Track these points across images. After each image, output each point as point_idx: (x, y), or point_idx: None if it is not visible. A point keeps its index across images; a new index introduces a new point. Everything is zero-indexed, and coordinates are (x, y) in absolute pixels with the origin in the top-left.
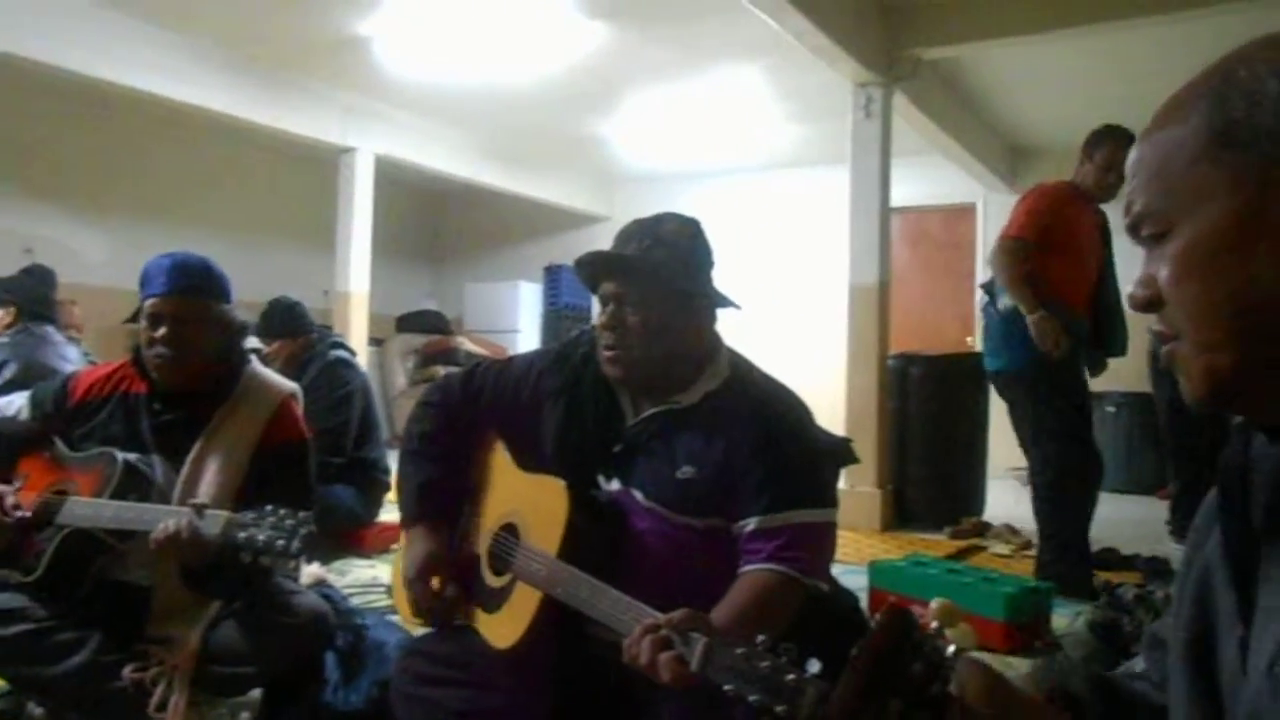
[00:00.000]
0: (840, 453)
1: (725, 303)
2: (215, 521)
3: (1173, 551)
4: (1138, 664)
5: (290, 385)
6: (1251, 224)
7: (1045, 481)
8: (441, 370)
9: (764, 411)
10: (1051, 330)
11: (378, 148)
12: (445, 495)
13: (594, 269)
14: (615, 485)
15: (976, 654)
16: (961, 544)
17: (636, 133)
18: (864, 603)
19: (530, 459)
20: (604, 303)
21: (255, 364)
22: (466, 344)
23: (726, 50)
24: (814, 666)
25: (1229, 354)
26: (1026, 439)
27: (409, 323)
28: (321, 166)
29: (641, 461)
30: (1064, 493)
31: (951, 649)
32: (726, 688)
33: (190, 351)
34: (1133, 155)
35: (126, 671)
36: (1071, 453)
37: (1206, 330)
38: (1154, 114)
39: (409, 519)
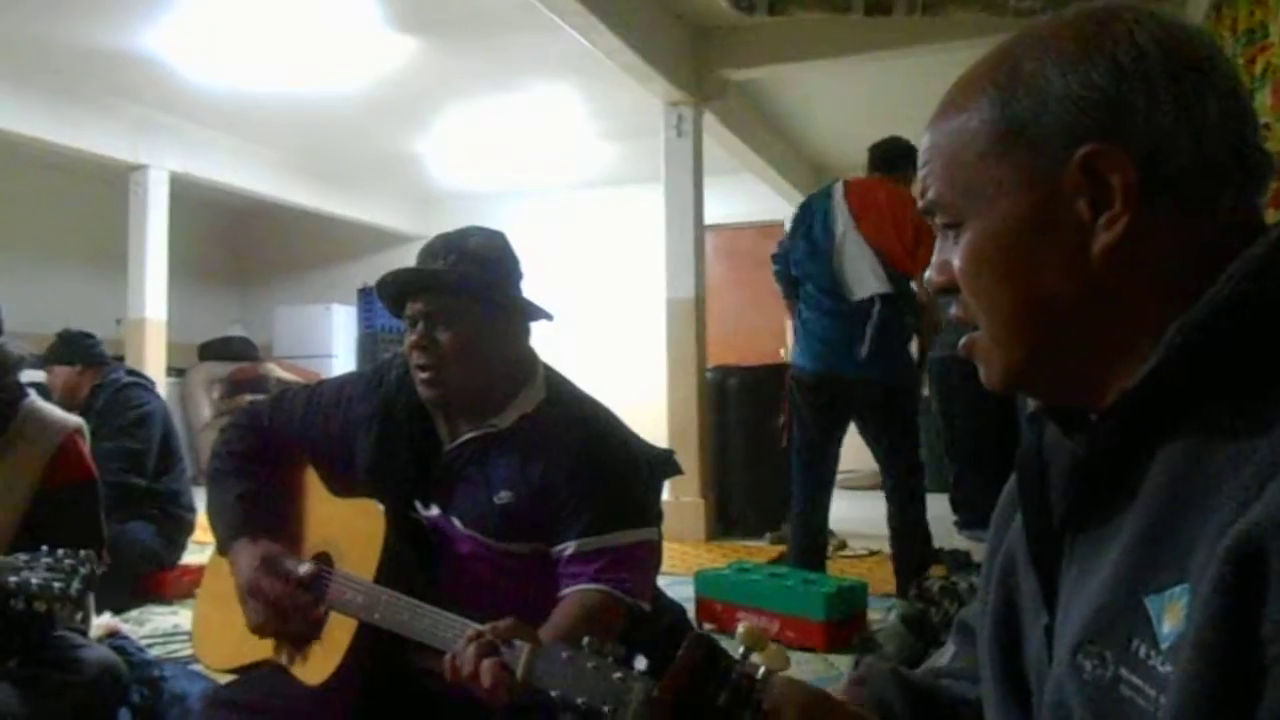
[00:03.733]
0: (663, 465)
1: (538, 314)
2: None
3: (967, 543)
4: (945, 654)
5: (74, 420)
6: (1039, 224)
7: (918, 482)
8: (250, 399)
9: (581, 432)
10: None
11: (173, 165)
12: (265, 507)
13: (400, 288)
14: (434, 511)
15: (789, 674)
16: (782, 549)
17: (450, 150)
18: (692, 612)
19: (344, 486)
20: (412, 323)
21: (33, 399)
22: (276, 371)
23: (539, 67)
24: (640, 664)
25: (1020, 348)
26: (901, 445)
27: (213, 350)
28: (111, 185)
29: (459, 487)
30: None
31: (761, 671)
32: (553, 693)
33: None
34: (925, 140)
35: None
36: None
37: (998, 324)
38: (944, 96)
39: (230, 534)
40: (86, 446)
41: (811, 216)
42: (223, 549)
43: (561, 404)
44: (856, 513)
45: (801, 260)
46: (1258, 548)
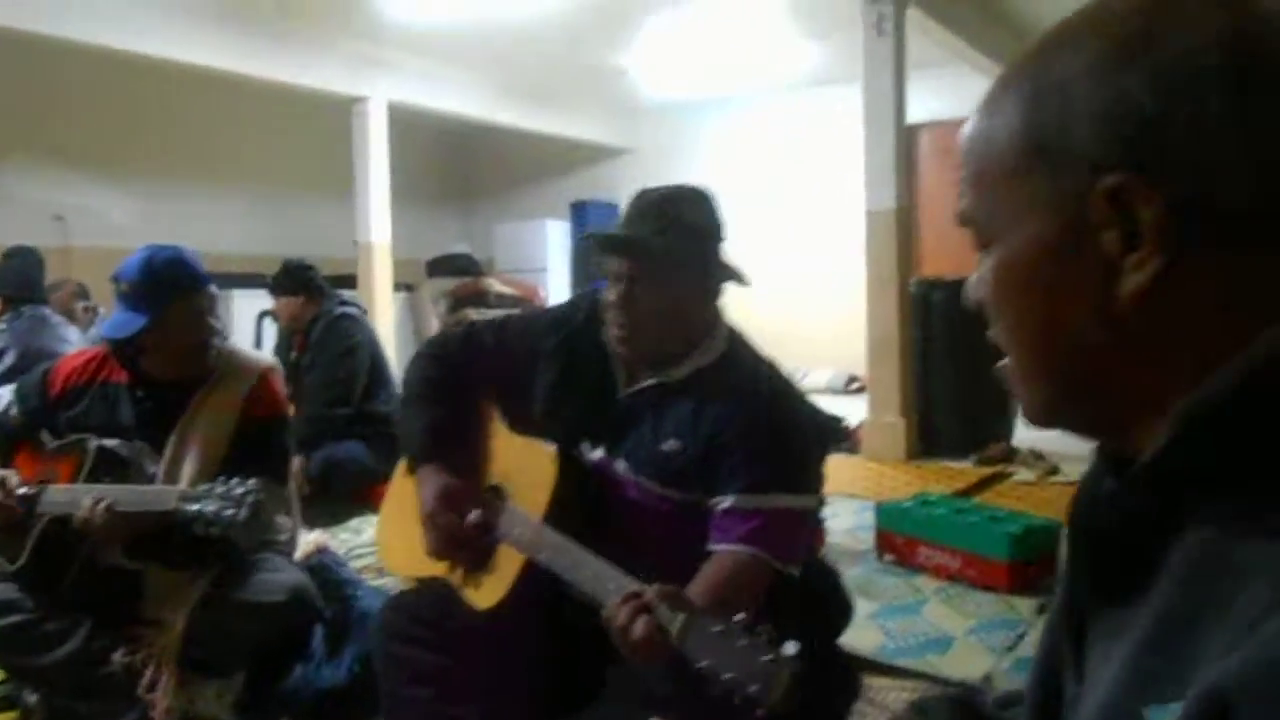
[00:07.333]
0: (830, 433)
1: (734, 276)
2: (167, 496)
3: None
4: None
5: (268, 360)
6: (1063, 256)
7: None
8: (473, 313)
9: (755, 389)
10: None
11: (390, 95)
12: (449, 437)
13: (602, 249)
14: (600, 453)
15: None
16: (986, 472)
17: (653, 60)
18: (872, 542)
19: (521, 422)
20: (616, 280)
21: (228, 340)
22: (496, 285)
23: None
24: (790, 648)
25: (1044, 386)
26: None
27: (439, 266)
28: (338, 117)
29: (630, 432)
30: None
31: None
32: (701, 664)
33: (208, 344)
34: (965, 131)
35: (117, 656)
36: None
37: (1023, 358)
38: (992, 83)
39: (417, 459)
40: (280, 383)
41: None
42: (412, 468)
43: (740, 360)
44: None
45: None
46: (1223, 706)
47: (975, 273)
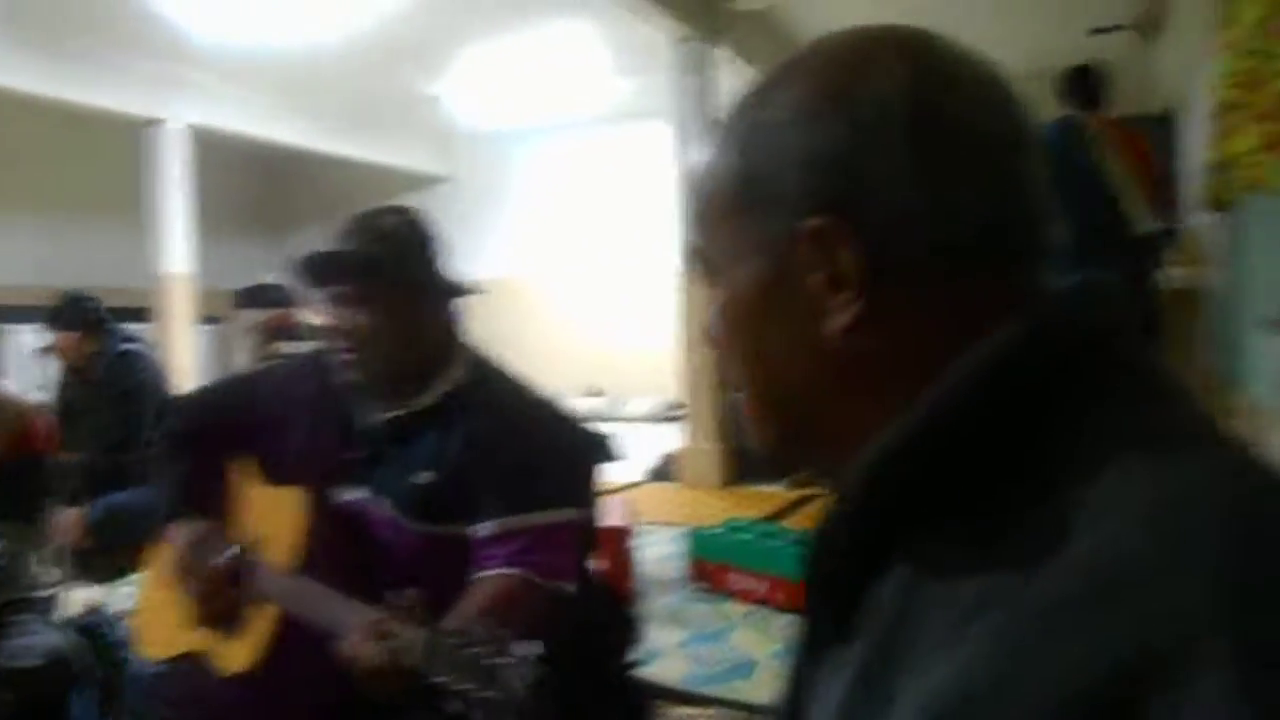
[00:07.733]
0: (597, 449)
1: (458, 291)
2: None
3: None
4: None
5: (31, 401)
6: (775, 298)
7: None
8: (284, 347)
9: (503, 411)
10: None
11: (191, 118)
12: (200, 491)
13: (312, 271)
14: (356, 494)
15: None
16: (796, 495)
17: (470, 90)
18: (684, 571)
19: (276, 471)
20: (332, 305)
21: None
22: (310, 317)
23: (552, 3)
24: (522, 649)
25: (771, 425)
26: None
27: (250, 298)
28: (132, 140)
29: (379, 469)
30: None
31: None
32: (437, 679)
33: None
34: (696, 168)
35: None
36: None
37: (750, 398)
38: (721, 121)
39: (170, 516)
40: (42, 425)
41: None
42: (158, 535)
43: (483, 383)
44: None
45: None
46: None
47: (708, 309)
